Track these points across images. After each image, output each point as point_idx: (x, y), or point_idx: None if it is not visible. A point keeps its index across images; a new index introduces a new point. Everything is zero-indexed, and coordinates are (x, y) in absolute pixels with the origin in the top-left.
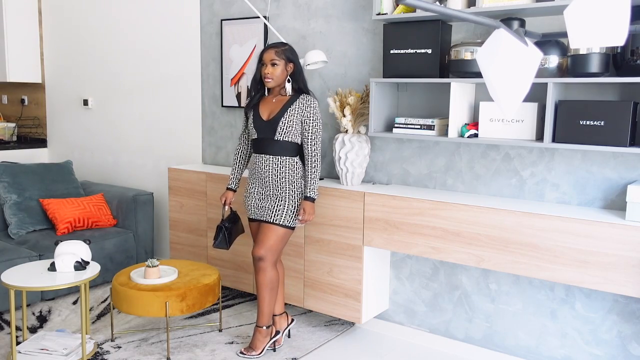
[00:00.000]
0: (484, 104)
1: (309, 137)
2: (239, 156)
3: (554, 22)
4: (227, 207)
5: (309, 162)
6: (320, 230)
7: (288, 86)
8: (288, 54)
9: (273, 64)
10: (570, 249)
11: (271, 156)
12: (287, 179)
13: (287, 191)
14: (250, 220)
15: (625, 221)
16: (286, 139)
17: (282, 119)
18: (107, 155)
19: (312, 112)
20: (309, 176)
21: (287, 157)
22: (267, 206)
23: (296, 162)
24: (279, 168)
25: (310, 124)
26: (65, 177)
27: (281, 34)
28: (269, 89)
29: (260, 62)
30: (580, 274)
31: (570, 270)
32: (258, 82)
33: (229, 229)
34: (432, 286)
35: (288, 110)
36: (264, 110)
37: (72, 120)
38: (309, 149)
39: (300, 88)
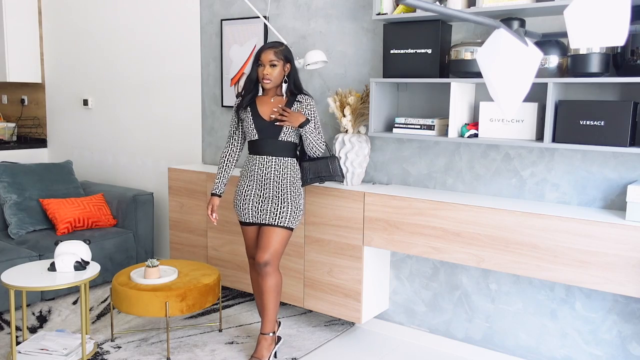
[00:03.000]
0: (484, 104)
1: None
2: (226, 159)
3: (554, 22)
4: (215, 214)
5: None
6: (320, 230)
7: (284, 86)
8: (286, 53)
9: (272, 65)
10: (570, 249)
11: (273, 157)
12: (288, 180)
13: (289, 192)
14: (246, 224)
15: (625, 221)
16: (288, 139)
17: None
18: (107, 155)
19: (311, 109)
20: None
21: (288, 158)
22: (268, 209)
23: (295, 163)
24: (280, 169)
25: (312, 120)
26: (65, 177)
27: (281, 34)
28: (263, 89)
29: (258, 63)
30: (580, 274)
31: (570, 270)
32: (254, 82)
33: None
34: (432, 286)
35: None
36: (265, 111)
37: (72, 120)
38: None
39: (296, 88)
